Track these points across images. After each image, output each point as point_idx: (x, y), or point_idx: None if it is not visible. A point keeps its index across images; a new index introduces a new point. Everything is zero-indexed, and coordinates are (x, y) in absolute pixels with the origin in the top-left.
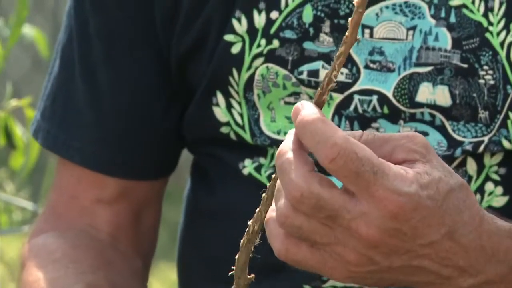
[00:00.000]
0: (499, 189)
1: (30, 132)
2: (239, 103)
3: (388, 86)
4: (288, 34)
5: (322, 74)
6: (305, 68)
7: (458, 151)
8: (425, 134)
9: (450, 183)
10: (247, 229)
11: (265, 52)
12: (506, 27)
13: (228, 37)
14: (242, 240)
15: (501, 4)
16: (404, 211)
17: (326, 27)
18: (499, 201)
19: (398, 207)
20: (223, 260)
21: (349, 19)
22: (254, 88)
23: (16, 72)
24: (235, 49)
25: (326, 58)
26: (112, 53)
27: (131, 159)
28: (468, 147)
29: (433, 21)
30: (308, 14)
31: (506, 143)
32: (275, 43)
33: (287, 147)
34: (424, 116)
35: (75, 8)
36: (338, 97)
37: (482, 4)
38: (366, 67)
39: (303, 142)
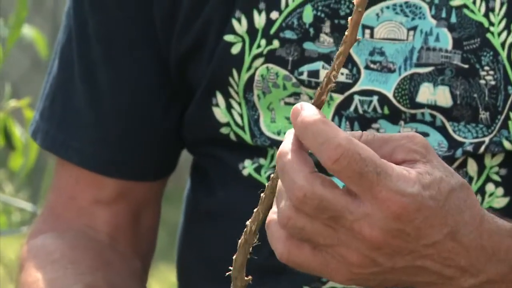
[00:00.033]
0: (500, 190)
1: (29, 132)
2: (239, 104)
3: (388, 87)
4: (288, 34)
5: (323, 74)
6: (305, 68)
7: (458, 152)
8: (425, 134)
9: (451, 183)
10: (245, 229)
11: (265, 52)
12: (507, 27)
13: (228, 38)
14: (239, 241)
15: (502, 4)
16: (407, 211)
17: (326, 27)
18: (500, 202)
19: (402, 208)
20: (222, 261)
21: (349, 18)
22: (254, 89)
23: (15, 72)
24: (235, 50)
25: (327, 58)
26: (111, 53)
27: (131, 160)
28: (469, 148)
29: (433, 22)
30: (308, 14)
31: (507, 144)
32: (275, 43)
33: (287, 148)
34: (425, 117)
35: (74, 8)
36: (338, 98)
37: (483, 4)
38: (367, 67)
39: (304, 143)
